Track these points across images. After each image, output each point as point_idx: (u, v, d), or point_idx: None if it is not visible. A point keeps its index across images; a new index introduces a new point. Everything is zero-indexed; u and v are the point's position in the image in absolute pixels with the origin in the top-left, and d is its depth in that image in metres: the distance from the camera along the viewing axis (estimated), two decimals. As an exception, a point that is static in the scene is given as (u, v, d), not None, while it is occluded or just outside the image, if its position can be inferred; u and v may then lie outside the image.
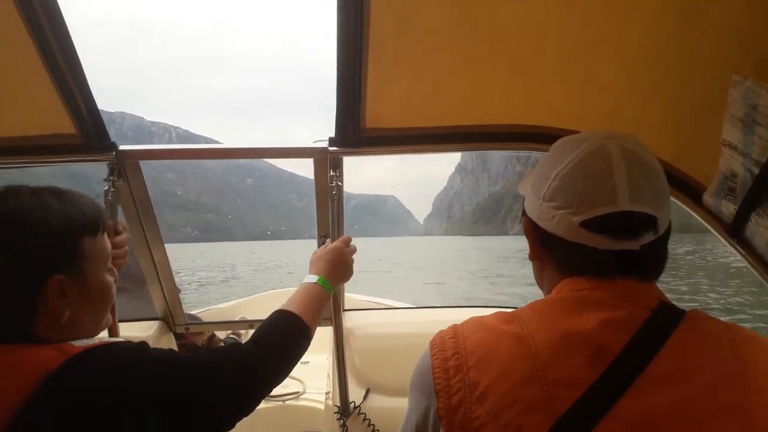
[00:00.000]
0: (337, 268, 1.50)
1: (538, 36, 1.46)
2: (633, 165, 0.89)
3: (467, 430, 0.81)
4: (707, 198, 1.45)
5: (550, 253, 0.99)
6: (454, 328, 0.94)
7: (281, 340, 1.19)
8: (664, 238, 0.93)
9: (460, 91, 1.61)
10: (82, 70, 1.53)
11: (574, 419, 0.76)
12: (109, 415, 0.85)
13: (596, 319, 0.83)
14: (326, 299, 1.40)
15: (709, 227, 1.51)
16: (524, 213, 1.04)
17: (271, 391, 1.16)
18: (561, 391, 0.78)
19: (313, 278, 1.42)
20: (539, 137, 1.70)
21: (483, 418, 0.80)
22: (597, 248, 0.89)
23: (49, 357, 0.87)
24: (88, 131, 1.64)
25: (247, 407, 1.08)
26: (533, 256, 1.04)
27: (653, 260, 0.93)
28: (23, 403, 0.81)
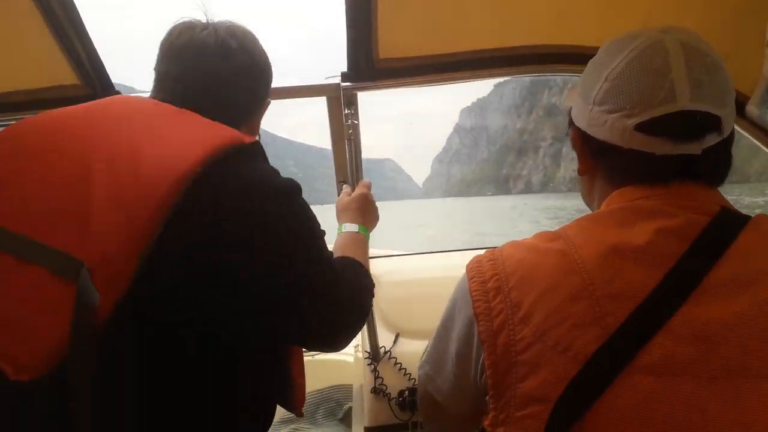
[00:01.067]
0: (368, 215, 1.49)
1: None
2: (693, 60, 0.82)
3: (511, 353, 0.78)
4: (751, 108, 1.38)
5: (601, 163, 0.94)
6: (492, 251, 0.90)
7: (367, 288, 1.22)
8: (728, 140, 0.87)
9: (480, 11, 1.52)
10: (79, 16, 1.49)
11: (629, 332, 0.72)
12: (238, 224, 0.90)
13: (650, 229, 0.78)
14: (367, 246, 1.42)
15: (754, 140, 1.43)
16: (571, 123, 0.99)
17: (351, 333, 1.14)
18: (613, 305, 0.74)
19: (354, 227, 1.41)
20: (567, 57, 1.61)
21: (528, 338, 0.76)
22: (654, 153, 0.83)
23: (235, 136, 0.97)
24: (92, 80, 1.60)
25: (334, 332, 1.08)
26: (582, 170, 0.99)
27: (716, 165, 0.87)
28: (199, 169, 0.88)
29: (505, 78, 1.83)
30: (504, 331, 0.79)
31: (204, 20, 1.14)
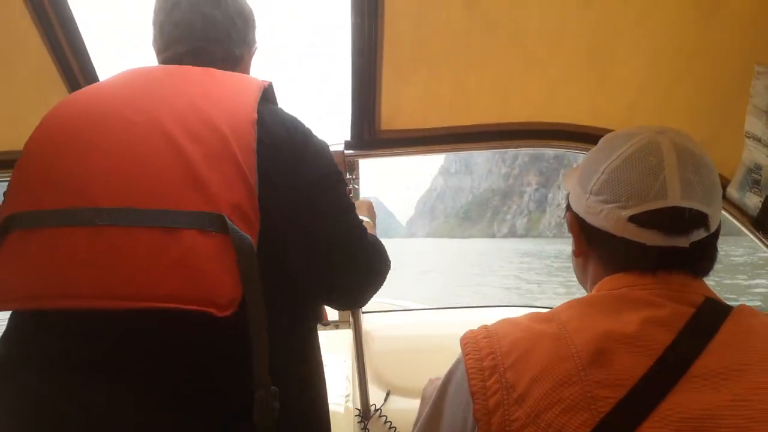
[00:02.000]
0: (374, 219, 1.56)
1: (556, 31, 1.48)
2: (684, 160, 0.90)
3: None
4: (731, 191, 1.47)
5: (595, 249, 0.99)
6: (486, 328, 0.93)
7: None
8: (715, 235, 0.93)
9: (477, 89, 1.62)
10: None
11: (618, 418, 0.76)
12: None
13: (638, 318, 0.83)
14: None
15: (734, 220, 1.52)
16: (569, 208, 1.05)
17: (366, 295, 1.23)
18: (604, 391, 0.78)
19: (368, 220, 1.47)
20: (559, 134, 1.71)
21: (522, 420, 0.80)
22: (645, 244, 0.89)
23: (256, 81, 1.14)
24: None
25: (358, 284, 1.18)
26: (578, 252, 1.04)
27: (702, 258, 0.92)
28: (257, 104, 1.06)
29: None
30: (499, 411, 0.82)
31: None
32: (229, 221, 0.92)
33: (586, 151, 1.72)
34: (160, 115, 1.00)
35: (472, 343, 0.92)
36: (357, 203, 1.55)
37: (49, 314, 0.94)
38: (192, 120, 1.00)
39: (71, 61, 1.53)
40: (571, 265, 1.13)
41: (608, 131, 1.64)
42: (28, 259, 0.93)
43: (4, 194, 1.03)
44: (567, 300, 0.95)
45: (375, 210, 1.53)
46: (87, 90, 1.12)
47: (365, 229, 1.18)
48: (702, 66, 1.45)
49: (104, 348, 0.93)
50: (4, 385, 0.96)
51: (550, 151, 1.72)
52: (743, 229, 1.51)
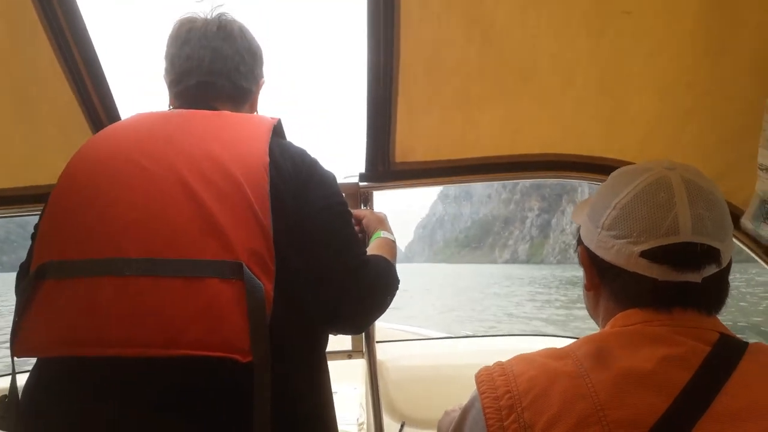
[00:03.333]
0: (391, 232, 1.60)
1: (568, 67, 1.52)
2: (695, 196, 0.91)
3: None
4: (745, 222, 1.50)
5: (607, 283, 1.00)
6: (501, 366, 0.94)
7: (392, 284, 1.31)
8: (726, 270, 0.94)
9: (490, 123, 1.67)
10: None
11: None
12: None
13: (655, 356, 0.84)
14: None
15: (749, 251, 1.55)
16: (580, 242, 1.06)
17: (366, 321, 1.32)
18: (623, 431, 0.78)
19: (392, 236, 1.52)
20: (570, 165, 1.75)
21: None
22: (657, 279, 0.91)
23: (267, 120, 1.21)
24: None
25: (354, 312, 1.21)
26: (589, 287, 1.05)
27: (715, 293, 0.94)
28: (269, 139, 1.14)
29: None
30: None
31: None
32: (246, 268, 0.98)
33: (599, 182, 1.77)
34: (178, 166, 1.06)
35: (488, 381, 0.92)
36: (379, 218, 1.60)
37: (78, 361, 0.97)
38: (206, 167, 1.06)
39: (93, 98, 1.58)
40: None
41: (621, 162, 1.70)
42: (61, 308, 0.98)
43: (34, 241, 1.09)
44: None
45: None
46: (107, 136, 1.18)
47: (369, 259, 1.23)
48: (712, 102, 1.49)
49: (131, 391, 0.97)
50: (33, 424, 1.00)
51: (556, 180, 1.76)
52: (757, 259, 1.53)
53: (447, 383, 2.14)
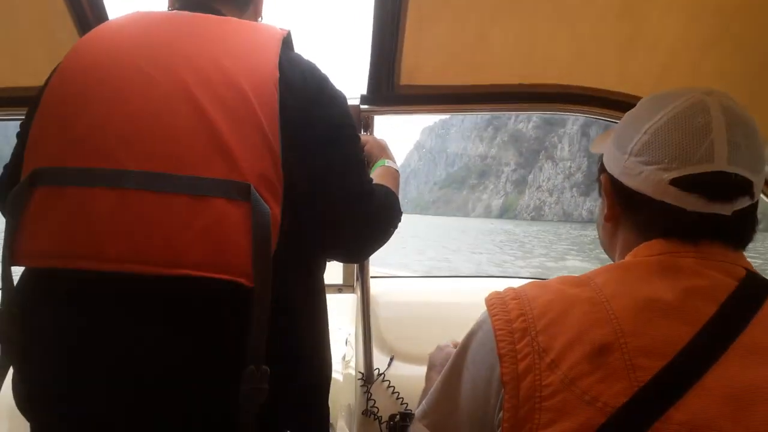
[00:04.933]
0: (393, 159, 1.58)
1: None
2: (733, 123, 0.88)
3: (535, 399, 0.79)
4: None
5: (630, 213, 0.97)
6: (514, 290, 0.91)
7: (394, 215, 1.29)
8: (756, 205, 0.92)
9: (502, 43, 1.59)
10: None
11: (658, 389, 0.74)
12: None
13: (680, 286, 0.82)
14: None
15: (763, 196, 1.53)
16: (602, 170, 1.03)
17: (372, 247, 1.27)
18: (644, 359, 0.76)
19: (395, 164, 1.49)
20: (586, 99, 1.69)
21: (555, 385, 0.78)
22: (685, 209, 0.88)
23: (276, 31, 1.15)
24: None
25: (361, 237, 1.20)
26: (609, 216, 1.02)
27: (744, 227, 0.92)
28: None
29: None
30: (529, 376, 0.80)
31: None
32: (254, 190, 0.95)
33: (610, 118, 1.72)
34: (183, 75, 1.00)
35: (499, 303, 0.89)
36: (382, 146, 1.55)
37: (75, 274, 0.93)
38: (215, 81, 1.00)
39: None
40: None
41: (635, 98, 1.65)
42: (57, 218, 0.94)
43: (25, 148, 1.02)
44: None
45: None
46: (102, 34, 1.10)
47: (373, 188, 1.19)
48: (740, 27, 1.43)
49: (129, 307, 0.95)
50: (28, 320, 0.98)
51: (556, 115, 1.71)
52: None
53: (437, 319, 2.15)
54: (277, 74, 1.04)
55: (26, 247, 0.95)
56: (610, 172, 0.99)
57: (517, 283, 0.97)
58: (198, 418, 0.96)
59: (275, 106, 1.01)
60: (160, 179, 0.93)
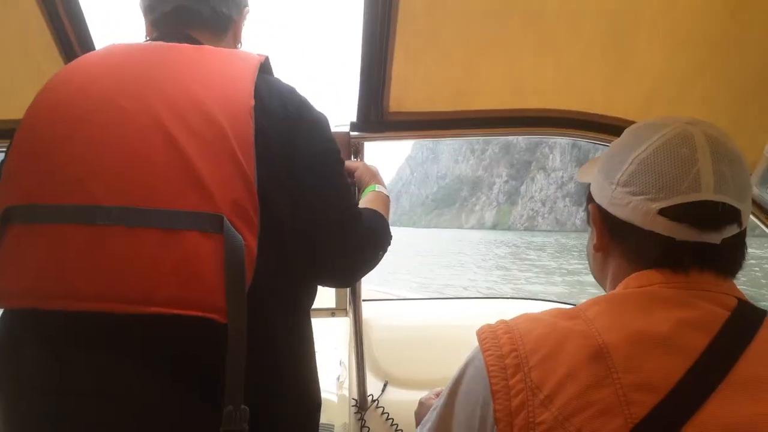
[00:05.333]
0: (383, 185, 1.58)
1: (574, 16, 1.47)
2: (718, 153, 0.88)
3: None
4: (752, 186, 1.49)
5: (618, 243, 0.97)
6: (506, 323, 0.90)
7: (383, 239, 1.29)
8: (744, 233, 0.92)
9: (488, 73, 1.61)
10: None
11: (654, 425, 0.74)
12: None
13: (672, 318, 0.82)
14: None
15: (753, 218, 1.55)
16: (590, 200, 1.03)
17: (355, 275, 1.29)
18: (638, 395, 0.75)
19: (385, 190, 1.47)
20: (571, 122, 1.71)
21: (549, 422, 0.77)
22: (674, 239, 0.88)
23: (254, 58, 1.14)
24: None
25: (344, 265, 1.20)
26: (598, 247, 1.02)
27: (734, 255, 0.92)
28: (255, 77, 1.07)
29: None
30: (522, 413, 0.79)
31: None
32: (227, 222, 0.93)
33: (600, 141, 1.75)
34: (154, 105, 0.99)
35: (491, 338, 0.89)
36: (373, 173, 1.54)
37: (46, 314, 0.92)
38: (187, 111, 0.99)
39: (66, 25, 1.48)
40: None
41: (624, 122, 1.68)
42: (29, 257, 0.93)
43: None
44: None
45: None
46: (79, 68, 1.09)
47: (360, 212, 1.19)
48: (724, 58, 1.46)
49: (100, 342, 0.93)
50: (4, 362, 0.97)
51: (535, 139, 1.73)
52: (762, 227, 1.54)
53: (432, 343, 2.17)
54: (252, 102, 1.03)
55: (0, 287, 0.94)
56: (597, 202, 0.99)
57: (513, 305, 0.97)
58: None
59: (250, 135, 1.00)
60: (133, 214, 0.92)
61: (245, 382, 0.92)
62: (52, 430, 0.94)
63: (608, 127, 1.70)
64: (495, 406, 0.82)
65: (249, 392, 0.92)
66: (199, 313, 0.90)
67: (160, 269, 0.90)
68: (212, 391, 0.92)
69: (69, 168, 0.96)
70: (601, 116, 1.70)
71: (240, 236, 0.94)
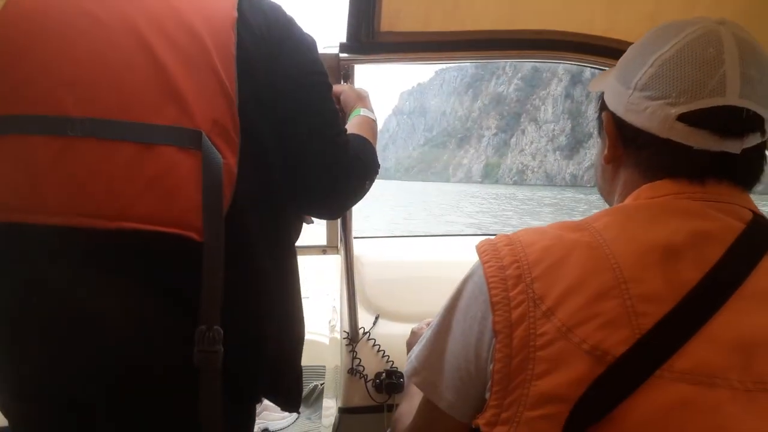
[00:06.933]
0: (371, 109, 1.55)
1: None
2: (747, 55, 0.84)
3: (529, 348, 0.76)
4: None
5: (633, 152, 0.94)
6: (507, 236, 0.88)
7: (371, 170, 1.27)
8: (765, 144, 0.89)
9: (486, -11, 1.57)
10: None
11: (662, 335, 0.72)
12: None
13: (685, 229, 0.80)
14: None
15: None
16: (603, 107, 0.99)
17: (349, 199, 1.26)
18: (646, 306, 0.74)
19: (372, 114, 1.45)
20: (573, 45, 1.67)
21: (551, 334, 0.75)
22: (692, 147, 0.85)
23: None
24: None
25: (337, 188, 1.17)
26: (609, 158, 0.98)
27: (753, 166, 0.89)
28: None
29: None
30: (523, 324, 0.78)
31: None
32: (206, 138, 0.91)
33: (600, 66, 1.71)
34: (132, 15, 0.95)
35: (491, 250, 0.87)
36: (360, 95, 1.51)
37: (18, 227, 0.91)
38: (168, 23, 0.96)
39: None
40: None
41: (626, 44, 1.63)
42: None
43: None
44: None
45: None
46: None
47: (347, 139, 1.16)
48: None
49: (75, 257, 0.92)
50: None
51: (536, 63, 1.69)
52: None
53: (422, 279, 2.20)
54: (235, 14, 1.00)
55: None
56: (612, 109, 0.96)
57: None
58: (161, 372, 0.94)
59: (232, 50, 0.98)
60: (106, 126, 0.90)
61: (224, 305, 0.91)
62: (21, 349, 0.94)
63: (610, 50, 1.65)
64: (494, 318, 0.80)
65: (229, 315, 0.92)
66: (176, 230, 0.89)
67: (134, 184, 0.89)
68: (191, 312, 0.91)
69: (40, 78, 0.93)
70: (603, 38, 1.66)
71: (219, 154, 0.92)
